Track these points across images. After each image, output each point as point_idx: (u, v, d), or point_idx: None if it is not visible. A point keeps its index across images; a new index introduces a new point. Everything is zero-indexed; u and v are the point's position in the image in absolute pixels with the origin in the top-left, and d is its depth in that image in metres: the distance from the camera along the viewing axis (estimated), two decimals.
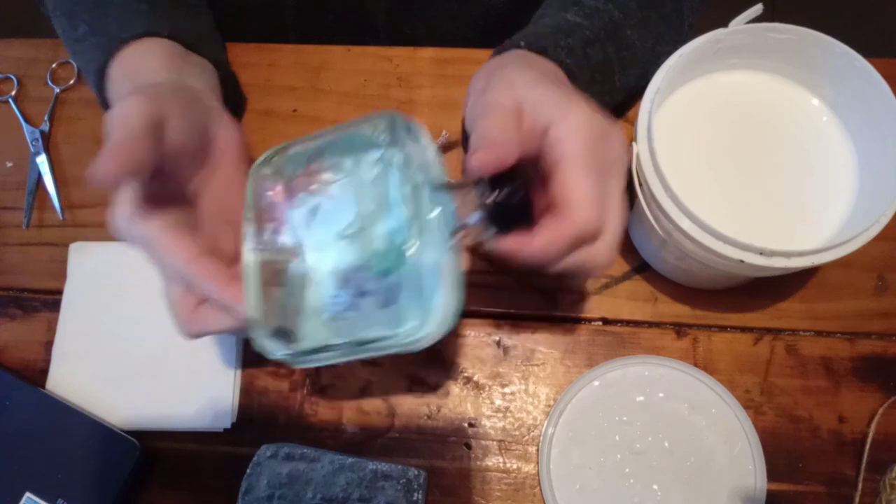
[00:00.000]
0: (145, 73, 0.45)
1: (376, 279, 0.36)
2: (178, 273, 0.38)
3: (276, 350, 0.37)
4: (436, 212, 0.35)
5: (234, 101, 0.56)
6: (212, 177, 0.42)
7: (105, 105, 0.48)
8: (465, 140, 0.48)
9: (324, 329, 0.37)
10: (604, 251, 0.37)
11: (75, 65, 0.60)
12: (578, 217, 0.35)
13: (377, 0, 0.62)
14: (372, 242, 0.37)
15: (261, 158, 0.41)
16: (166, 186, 0.39)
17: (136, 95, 0.37)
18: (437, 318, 0.35)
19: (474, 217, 0.35)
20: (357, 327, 0.37)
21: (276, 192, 0.39)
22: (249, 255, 0.38)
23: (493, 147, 0.35)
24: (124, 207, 0.36)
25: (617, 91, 0.49)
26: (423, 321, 0.35)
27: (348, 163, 0.38)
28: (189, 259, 0.36)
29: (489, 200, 0.35)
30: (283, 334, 0.38)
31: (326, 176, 0.38)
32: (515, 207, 0.36)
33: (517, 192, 0.35)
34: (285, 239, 0.39)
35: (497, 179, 0.35)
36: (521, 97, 0.38)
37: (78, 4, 0.50)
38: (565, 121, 0.37)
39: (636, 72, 0.50)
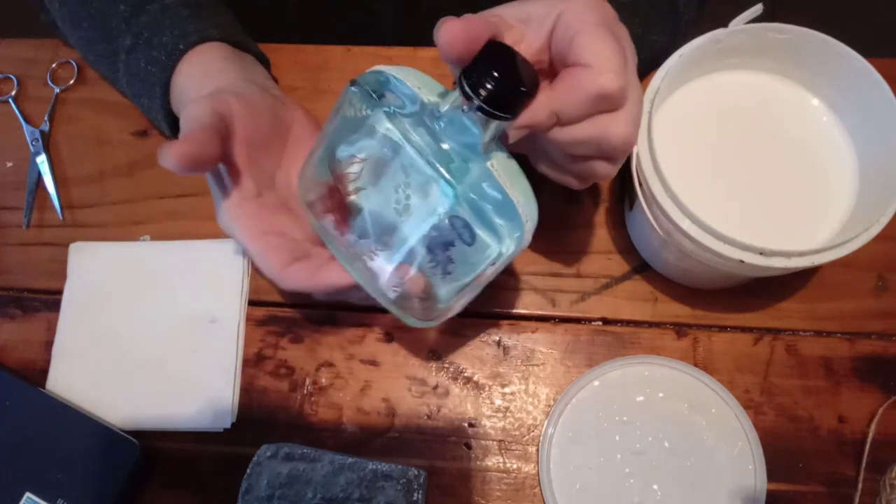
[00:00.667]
0: (215, 74, 0.47)
1: (450, 227, 0.36)
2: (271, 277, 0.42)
3: (428, 323, 0.42)
4: (449, 134, 0.34)
5: None
6: (285, 156, 0.45)
7: (167, 116, 0.50)
8: None
9: (445, 285, 0.39)
10: (625, 124, 0.35)
11: (114, 78, 0.56)
12: (601, 71, 0.33)
13: (384, 1, 0.62)
14: (422, 201, 0.36)
15: (299, 194, 0.42)
16: (257, 178, 0.43)
17: (203, 97, 0.41)
18: (523, 214, 0.35)
19: (472, 111, 0.33)
20: (466, 267, 0.37)
21: (331, 214, 0.41)
22: (350, 269, 0.41)
23: (459, 20, 0.33)
24: (221, 211, 0.42)
25: None
26: (512, 227, 0.35)
27: (359, 150, 0.38)
28: (278, 270, 0.41)
29: (483, 86, 0.33)
30: (423, 308, 0.41)
31: (351, 173, 0.38)
32: (516, 87, 0.33)
33: (504, 67, 0.33)
34: (367, 244, 0.40)
35: (484, 67, 0.33)
36: (527, 13, 0.38)
37: (112, 16, 0.50)
38: (575, 3, 0.36)
39: None
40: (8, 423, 0.49)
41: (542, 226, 0.54)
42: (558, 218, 0.55)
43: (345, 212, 0.40)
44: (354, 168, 0.38)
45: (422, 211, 0.36)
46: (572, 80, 0.34)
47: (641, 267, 0.53)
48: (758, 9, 0.45)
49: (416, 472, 0.47)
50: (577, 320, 0.52)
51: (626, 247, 0.54)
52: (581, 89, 0.34)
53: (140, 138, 0.58)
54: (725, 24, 0.45)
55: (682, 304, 0.52)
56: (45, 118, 0.59)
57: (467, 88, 0.33)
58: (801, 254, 0.41)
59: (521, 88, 0.33)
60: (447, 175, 0.34)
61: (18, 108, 0.60)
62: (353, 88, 0.36)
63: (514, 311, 0.53)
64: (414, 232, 0.37)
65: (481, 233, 0.35)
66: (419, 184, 0.36)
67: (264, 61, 0.54)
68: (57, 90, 0.60)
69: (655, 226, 0.45)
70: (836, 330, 0.51)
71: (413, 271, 0.39)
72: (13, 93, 0.61)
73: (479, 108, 0.33)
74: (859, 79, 0.44)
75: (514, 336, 0.52)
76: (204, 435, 0.50)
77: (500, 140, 0.37)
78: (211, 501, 0.49)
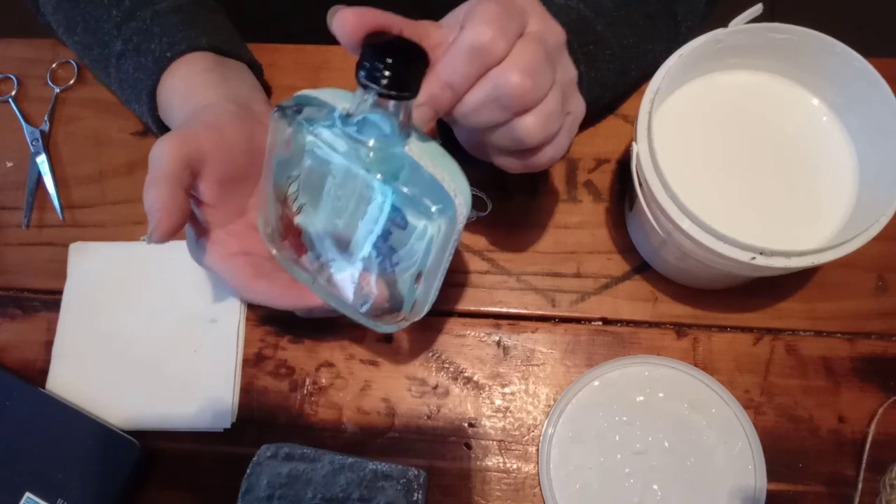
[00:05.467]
0: (197, 90, 0.47)
1: (388, 219, 0.37)
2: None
3: (396, 326, 0.42)
4: (365, 132, 0.36)
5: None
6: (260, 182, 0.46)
7: (156, 121, 0.50)
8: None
9: (400, 278, 0.39)
10: (511, 71, 0.34)
11: (107, 83, 0.56)
12: (471, 26, 0.34)
13: (401, 8, 0.62)
14: (359, 202, 0.38)
15: (260, 230, 0.44)
16: (227, 209, 0.44)
17: (175, 136, 0.41)
18: (450, 190, 0.36)
19: (374, 100, 0.34)
20: (409, 252, 0.38)
21: (287, 238, 0.43)
22: (313, 288, 0.43)
23: (351, 9, 0.34)
24: (189, 241, 0.44)
25: (585, 82, 0.49)
26: (441, 204, 0.36)
27: (293, 168, 0.40)
28: (245, 284, 0.43)
29: (376, 70, 0.33)
30: (390, 311, 0.41)
31: (292, 193, 0.41)
32: (405, 65, 0.34)
33: (390, 51, 0.34)
34: (322, 258, 0.42)
35: (372, 55, 0.34)
36: (453, 15, 0.38)
37: (105, 21, 0.50)
38: None
39: (612, 66, 0.50)
40: (8, 423, 0.49)
41: (543, 226, 0.55)
42: (558, 218, 0.55)
43: (297, 233, 0.42)
44: (293, 188, 0.40)
45: (363, 212, 0.38)
46: (451, 45, 0.35)
47: (641, 267, 0.53)
48: (758, 9, 0.45)
49: (416, 472, 0.47)
50: (577, 320, 0.52)
51: (626, 247, 0.54)
52: (456, 48, 0.34)
53: (140, 138, 0.58)
54: (725, 24, 0.45)
55: (682, 304, 0.52)
56: (45, 118, 0.59)
57: (364, 80, 0.34)
58: (801, 254, 0.41)
59: (411, 65, 0.34)
60: (373, 171, 0.36)
61: (18, 108, 0.60)
62: (274, 114, 0.38)
63: (514, 311, 0.53)
64: (363, 235, 0.39)
65: (411, 214, 0.36)
66: (352, 186, 0.37)
67: (256, 67, 0.54)
68: (57, 90, 0.60)
69: (655, 226, 0.45)
70: (836, 330, 0.51)
71: (373, 277, 0.40)
72: (13, 93, 0.61)
73: (379, 94, 0.34)
74: (859, 79, 0.44)
75: (514, 336, 0.52)
76: (204, 435, 0.50)
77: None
78: (211, 501, 0.49)
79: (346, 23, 0.34)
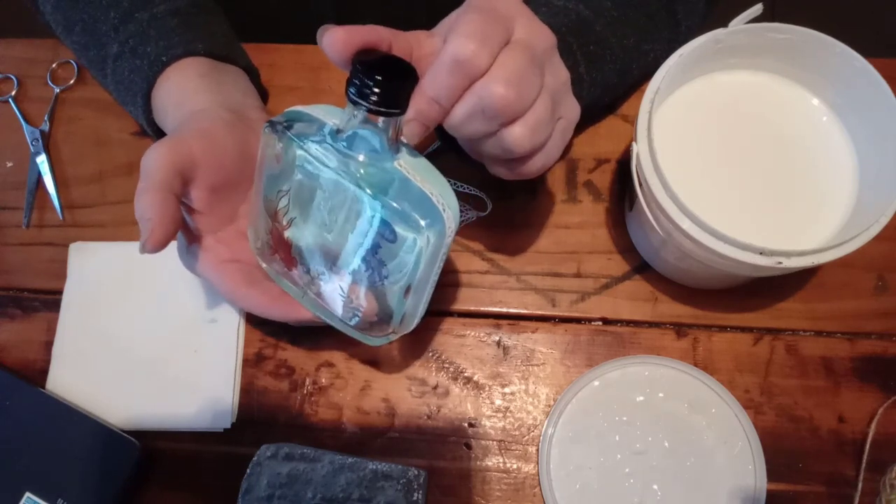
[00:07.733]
0: (191, 95, 0.47)
1: (377, 233, 0.38)
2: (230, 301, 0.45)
3: (386, 339, 0.42)
4: (355, 147, 0.36)
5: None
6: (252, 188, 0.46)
7: (150, 124, 0.50)
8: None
9: (389, 291, 0.40)
10: (495, 82, 0.35)
11: (104, 84, 0.56)
12: (451, 41, 0.34)
13: (420, 12, 0.62)
14: (349, 216, 0.38)
15: (251, 243, 0.45)
16: (218, 215, 0.44)
17: (166, 144, 0.41)
18: (439, 204, 0.36)
19: (363, 116, 0.35)
20: (398, 266, 0.38)
21: (278, 252, 0.43)
22: (303, 301, 0.44)
23: (341, 28, 0.34)
24: (179, 247, 0.44)
25: (586, 83, 0.49)
26: (430, 218, 0.36)
27: (283, 182, 0.40)
28: (235, 291, 0.44)
29: (366, 87, 0.34)
30: (379, 324, 0.42)
31: (282, 207, 0.41)
32: (394, 82, 0.35)
33: (379, 68, 0.34)
34: (312, 271, 0.42)
35: (362, 72, 0.34)
36: (443, 24, 0.39)
37: (102, 22, 0.50)
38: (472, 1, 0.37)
39: (613, 67, 0.50)
40: (8, 423, 0.49)
41: (543, 226, 0.55)
42: (558, 218, 0.55)
43: (287, 247, 0.42)
44: (283, 202, 0.41)
45: (352, 226, 0.38)
46: (435, 59, 0.35)
47: (641, 267, 0.53)
48: (758, 9, 0.45)
49: (416, 472, 0.47)
50: (577, 320, 0.52)
51: (626, 247, 0.54)
52: (440, 63, 0.35)
53: (140, 138, 0.58)
54: (725, 24, 0.45)
55: (682, 304, 0.52)
56: (45, 118, 0.59)
57: (353, 97, 0.35)
58: (801, 254, 0.41)
59: (399, 82, 0.35)
60: (363, 186, 0.36)
61: (18, 108, 0.60)
62: (265, 129, 0.39)
63: (514, 311, 0.53)
64: (352, 248, 0.39)
65: (400, 228, 0.37)
66: (341, 201, 0.38)
67: (253, 72, 0.54)
68: (57, 90, 0.60)
69: (655, 226, 0.45)
70: (836, 330, 0.51)
71: (362, 290, 0.40)
72: (13, 93, 0.61)
73: (369, 110, 0.34)
74: (859, 79, 0.44)
75: (514, 336, 0.52)
76: (204, 435, 0.50)
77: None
78: (211, 501, 0.49)
79: (335, 42, 0.34)
